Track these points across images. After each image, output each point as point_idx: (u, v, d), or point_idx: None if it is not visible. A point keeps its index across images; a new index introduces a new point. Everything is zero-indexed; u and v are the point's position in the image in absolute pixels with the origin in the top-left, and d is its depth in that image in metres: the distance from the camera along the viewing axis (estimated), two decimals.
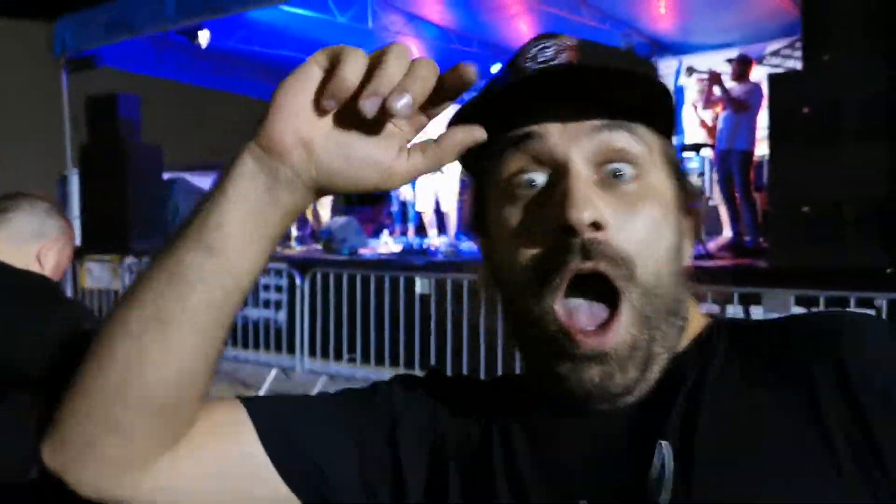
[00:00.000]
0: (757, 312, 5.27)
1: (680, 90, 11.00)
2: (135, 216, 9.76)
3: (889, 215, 5.15)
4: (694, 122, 9.10)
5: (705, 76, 7.47)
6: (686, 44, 10.59)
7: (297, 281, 6.07)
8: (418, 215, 10.06)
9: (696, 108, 8.74)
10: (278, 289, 7.97)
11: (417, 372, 5.50)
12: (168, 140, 10.83)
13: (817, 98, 5.36)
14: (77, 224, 10.73)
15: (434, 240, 8.78)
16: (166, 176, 10.54)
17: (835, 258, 5.27)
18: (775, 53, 9.92)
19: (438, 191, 8.85)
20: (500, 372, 5.23)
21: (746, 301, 5.14)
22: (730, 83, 7.40)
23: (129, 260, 9.25)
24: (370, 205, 13.29)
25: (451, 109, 0.82)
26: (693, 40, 10.43)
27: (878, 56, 5.18)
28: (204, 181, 12.02)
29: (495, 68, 10.90)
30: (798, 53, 9.71)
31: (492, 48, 11.26)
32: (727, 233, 8.12)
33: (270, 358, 6.51)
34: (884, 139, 5.12)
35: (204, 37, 9.84)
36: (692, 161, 9.90)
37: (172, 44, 10.76)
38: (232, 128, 13.93)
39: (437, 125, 0.78)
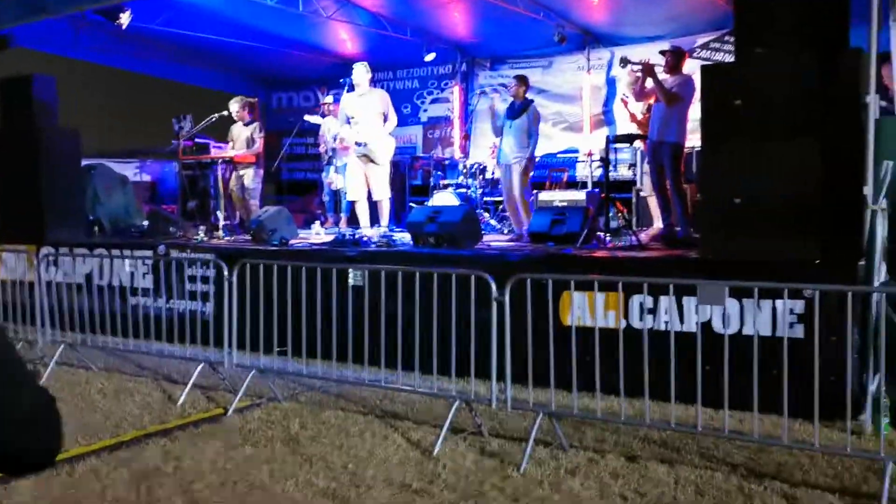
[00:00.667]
0: (691, 303, 5.31)
1: (612, 81, 11.12)
2: (51, 204, 9.31)
3: (817, 207, 5.25)
4: (625, 114, 9.18)
5: (639, 67, 7.51)
6: (618, 35, 10.68)
7: (225, 272, 5.85)
8: (350, 205, 9.88)
9: (625, 103, 8.81)
10: (204, 280, 7.72)
11: (350, 365, 5.36)
12: (86, 124, 10.36)
13: (749, 91, 5.42)
14: None
15: (366, 230, 8.63)
16: (84, 162, 10.07)
17: (764, 250, 5.34)
18: (705, 46, 10.08)
19: (371, 179, 8.69)
20: (434, 364, 5.14)
21: (680, 292, 5.17)
22: (662, 75, 7.45)
23: (46, 250, 8.82)
24: (300, 194, 13.03)
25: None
26: (625, 32, 10.53)
27: (808, 50, 5.26)
28: (124, 168, 11.58)
29: (429, 57, 10.85)
30: (727, 47, 9.91)
31: (425, 35, 11.13)
32: (658, 224, 8.22)
33: (197, 352, 6.27)
34: (813, 133, 5.20)
35: (125, 18, 9.43)
36: (623, 152, 10.03)
37: (91, 24, 10.29)
38: (153, 113, 13.51)
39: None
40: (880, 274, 4.93)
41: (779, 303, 5.06)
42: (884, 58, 5.70)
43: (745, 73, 5.51)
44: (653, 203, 8.37)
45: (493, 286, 4.67)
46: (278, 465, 4.39)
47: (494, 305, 4.66)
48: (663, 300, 5.40)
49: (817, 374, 4.04)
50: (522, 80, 8.56)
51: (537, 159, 9.19)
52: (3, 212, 9.65)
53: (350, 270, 6.09)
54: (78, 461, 4.43)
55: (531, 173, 8.71)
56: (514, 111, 8.41)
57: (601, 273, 5.81)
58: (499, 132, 8.62)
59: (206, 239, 8.76)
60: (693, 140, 7.64)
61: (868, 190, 4.96)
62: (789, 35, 5.38)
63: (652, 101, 7.71)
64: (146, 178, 12.43)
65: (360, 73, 8.72)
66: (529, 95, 8.88)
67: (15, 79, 9.52)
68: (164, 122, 10.90)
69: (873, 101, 4.99)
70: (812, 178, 5.25)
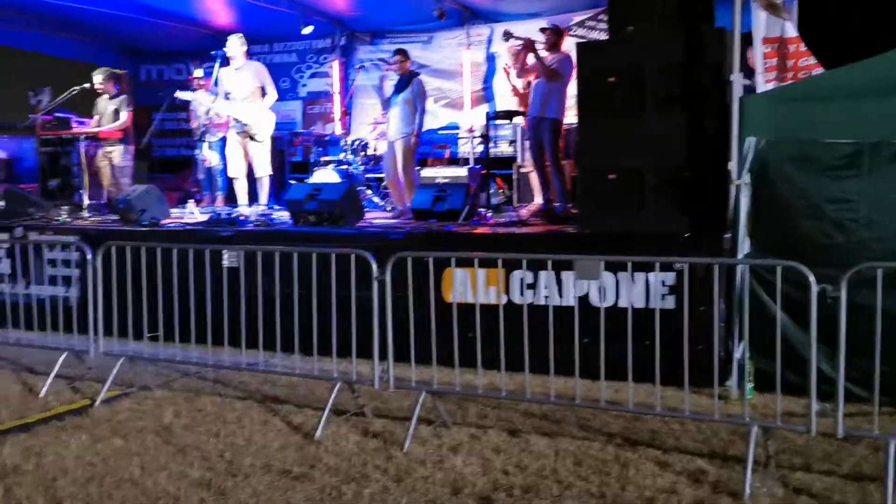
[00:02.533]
0: (569, 278, 5.40)
1: (492, 57, 11.16)
2: None
3: (685, 182, 5.43)
4: (505, 89, 9.22)
5: (520, 42, 7.54)
6: (497, 11, 10.71)
7: (89, 256, 5.50)
8: (227, 183, 9.52)
9: (507, 73, 8.84)
10: (66, 263, 7.26)
11: (227, 349, 5.16)
12: None
13: (622, 68, 5.53)
14: None
15: (244, 209, 8.34)
16: None
17: (638, 224, 5.49)
18: (581, 24, 10.24)
19: (251, 156, 8.39)
20: (314, 346, 5.01)
21: (559, 267, 5.24)
22: (543, 52, 7.52)
23: None
24: (174, 172, 12.48)
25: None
26: (504, 8, 10.56)
27: (676, 28, 5.41)
28: None
29: (306, 30, 10.51)
30: (602, 25, 10.10)
31: (301, 7, 10.82)
32: (538, 199, 8.33)
33: (60, 340, 5.89)
34: (682, 108, 5.37)
35: None
36: (504, 128, 10.10)
37: None
38: (7, 85, 12.57)
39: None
40: (744, 246, 5.15)
41: (651, 275, 5.22)
42: (748, 38, 5.93)
43: (618, 51, 5.62)
44: (533, 179, 8.47)
45: (374, 265, 4.59)
46: (150, 456, 4.18)
47: (375, 284, 4.58)
48: (543, 275, 5.47)
49: (687, 344, 4.17)
50: (403, 54, 8.45)
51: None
52: None
53: (224, 252, 5.85)
54: None
55: (416, 149, 8.60)
56: (400, 85, 8.29)
57: (483, 250, 5.82)
58: (387, 107, 8.49)
59: (69, 220, 8.24)
60: (571, 116, 7.76)
61: (732, 165, 5.16)
62: (659, 14, 5.53)
63: (532, 77, 7.76)
64: (1, 154, 11.57)
65: (235, 45, 8.37)
66: (413, 69, 8.79)
67: None
68: (20, 95, 10.19)
69: (737, 80, 5.19)
70: (680, 154, 5.42)
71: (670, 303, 5.16)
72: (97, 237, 6.64)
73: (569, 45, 8.14)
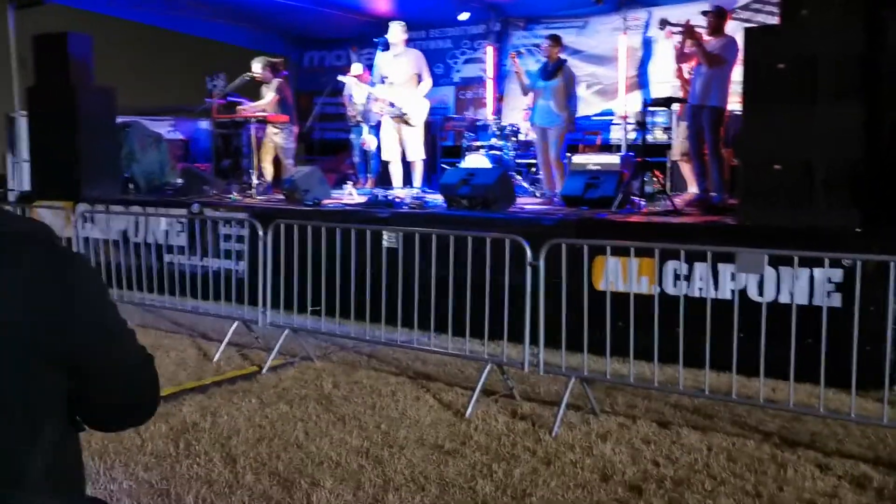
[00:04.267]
0: (727, 271, 5.26)
1: (648, 42, 10.90)
2: (87, 161, 9.40)
3: (859, 175, 5.14)
4: (661, 77, 8.98)
5: (679, 29, 7.33)
6: None
7: (260, 232, 5.88)
8: (379, 166, 9.86)
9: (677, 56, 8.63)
10: (238, 239, 7.78)
11: (382, 326, 5.39)
12: (121, 82, 10.40)
13: (794, 54, 5.29)
14: (26, 168, 10.33)
15: (399, 191, 8.62)
16: (119, 120, 10.13)
17: (803, 217, 5.26)
18: (745, 7, 9.82)
19: (405, 140, 8.66)
20: (467, 327, 5.15)
21: (716, 259, 5.10)
22: (705, 37, 7.28)
23: (82, 207, 8.94)
24: (332, 154, 13.01)
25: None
26: None
27: (856, 13, 5.11)
28: (158, 126, 11.64)
29: (463, 16, 10.54)
30: (769, 7, 9.65)
31: None
32: (692, 189, 8.11)
33: (231, 310, 6.35)
34: (858, 99, 5.09)
35: None
36: (658, 115, 9.86)
37: None
38: (187, 71, 13.51)
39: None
40: None
41: (817, 271, 5.00)
42: None
43: (790, 36, 5.38)
44: (686, 168, 8.25)
45: (528, 250, 4.65)
46: (312, 423, 4.46)
47: (529, 270, 4.65)
48: (698, 266, 5.35)
49: (856, 344, 3.98)
50: (556, 41, 8.40)
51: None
52: (39, 169, 9.78)
53: (384, 233, 6.09)
54: None
55: (567, 135, 8.56)
56: (547, 72, 8.26)
57: (636, 238, 5.75)
58: (526, 93, 8.50)
59: (239, 198, 8.81)
60: (733, 103, 7.48)
61: None
62: None
63: (693, 63, 7.54)
64: (179, 136, 12.47)
65: (396, 32, 8.66)
66: (563, 56, 8.74)
67: (48, 36, 9.55)
68: (198, 81, 10.93)
69: None
70: (855, 145, 5.14)
71: (836, 301, 4.93)
72: (264, 215, 7.07)
73: (731, 28, 7.83)
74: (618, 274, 5.51)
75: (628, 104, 10.92)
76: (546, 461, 3.93)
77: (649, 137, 9.64)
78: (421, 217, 6.93)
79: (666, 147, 9.70)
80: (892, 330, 4.80)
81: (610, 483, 3.67)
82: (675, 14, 7.68)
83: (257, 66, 9.76)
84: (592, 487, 3.62)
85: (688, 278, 5.34)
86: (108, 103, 9.70)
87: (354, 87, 9.91)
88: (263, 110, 9.64)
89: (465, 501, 3.50)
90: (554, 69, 8.23)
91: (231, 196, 8.88)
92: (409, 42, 9.28)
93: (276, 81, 9.79)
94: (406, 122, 8.56)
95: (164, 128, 11.94)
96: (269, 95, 9.69)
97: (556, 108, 8.14)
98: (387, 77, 8.70)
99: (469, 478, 3.72)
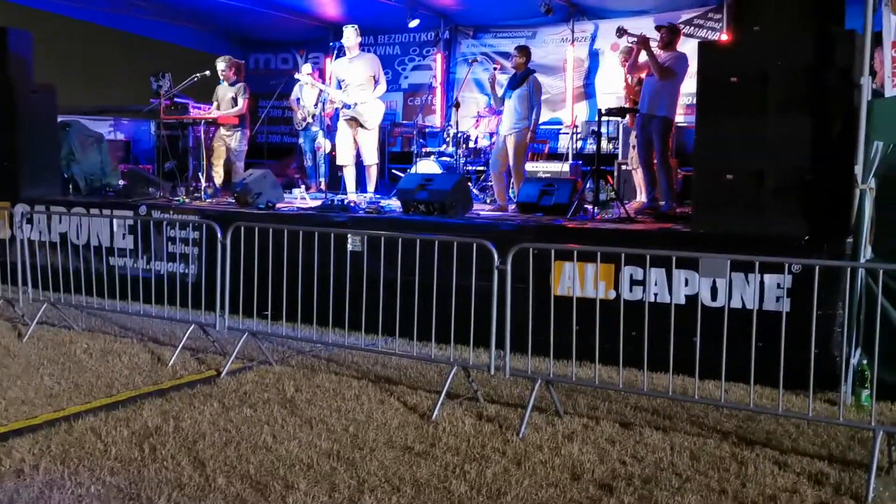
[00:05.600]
0: (680, 276, 5.42)
1: (595, 53, 11.15)
2: (25, 160, 9.12)
3: (808, 185, 5.37)
4: (607, 87, 9.19)
5: (634, 39, 7.53)
6: (603, 8, 10.70)
7: (219, 235, 5.80)
8: (329, 170, 9.84)
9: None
10: (188, 241, 7.64)
11: (345, 331, 5.37)
12: (61, 81, 10.10)
13: (745, 68, 5.50)
14: None
15: (352, 195, 8.61)
16: (59, 119, 9.84)
17: (754, 225, 5.47)
18: (689, 22, 10.15)
19: (360, 144, 8.67)
20: (433, 332, 5.18)
21: (669, 264, 5.25)
22: (656, 50, 7.50)
23: (21, 207, 8.65)
24: (278, 158, 12.89)
25: None
26: (610, 5, 10.55)
27: (805, 28, 5.35)
28: (99, 126, 11.34)
29: (413, 23, 10.63)
30: (710, 24, 10.00)
31: (407, 1, 11.03)
32: (641, 197, 8.32)
33: (186, 314, 6.23)
34: (807, 111, 5.32)
35: None
36: (604, 126, 10.05)
37: None
38: (129, 71, 13.20)
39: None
40: (865, 252, 5.07)
41: (767, 277, 5.19)
42: (877, 39, 5.81)
43: (741, 51, 5.59)
44: (636, 176, 8.46)
45: (496, 255, 4.72)
46: (279, 426, 4.42)
47: (496, 274, 4.71)
48: (653, 272, 5.51)
49: (813, 347, 4.16)
50: (524, 51, 8.51)
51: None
52: None
53: (349, 236, 6.08)
54: (75, 419, 4.42)
55: (529, 144, 8.65)
56: (516, 81, 8.37)
57: (592, 244, 5.88)
58: (500, 105, 8.59)
59: (187, 200, 8.66)
60: (680, 115, 7.73)
61: (858, 169, 5.08)
62: (786, 14, 5.47)
63: (643, 74, 7.76)
64: (120, 136, 12.18)
65: (350, 35, 8.72)
66: (531, 67, 8.87)
67: None
68: (141, 81, 10.69)
69: (867, 83, 5.10)
70: (803, 157, 5.37)
71: (786, 306, 5.13)
72: (215, 218, 6.94)
73: (680, 43, 8.07)
74: (575, 279, 5.63)
75: (575, 114, 11.15)
76: (516, 461, 3.99)
77: (595, 147, 9.86)
78: (379, 221, 6.93)
79: (612, 156, 9.93)
80: (836, 333, 5.05)
81: (581, 482, 3.75)
82: (629, 27, 7.87)
83: (222, 65, 9.63)
84: (564, 486, 3.69)
85: (642, 283, 5.48)
86: (47, 102, 9.43)
87: (307, 87, 9.86)
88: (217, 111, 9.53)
89: (441, 501, 3.53)
90: (521, 78, 8.33)
91: (178, 198, 8.72)
92: (361, 47, 9.30)
93: (241, 84, 9.68)
94: (361, 125, 8.56)
95: (105, 128, 11.64)
96: (239, 99, 9.54)
97: (517, 117, 8.23)
98: (343, 80, 8.74)
99: (443, 478, 3.75)
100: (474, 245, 4.89)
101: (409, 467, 3.88)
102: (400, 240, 5.24)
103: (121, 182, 9.92)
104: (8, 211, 8.48)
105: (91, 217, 8.22)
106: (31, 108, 9.19)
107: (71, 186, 9.88)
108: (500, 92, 8.54)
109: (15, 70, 9.13)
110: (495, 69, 9.04)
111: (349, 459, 3.96)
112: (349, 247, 5.81)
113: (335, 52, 8.82)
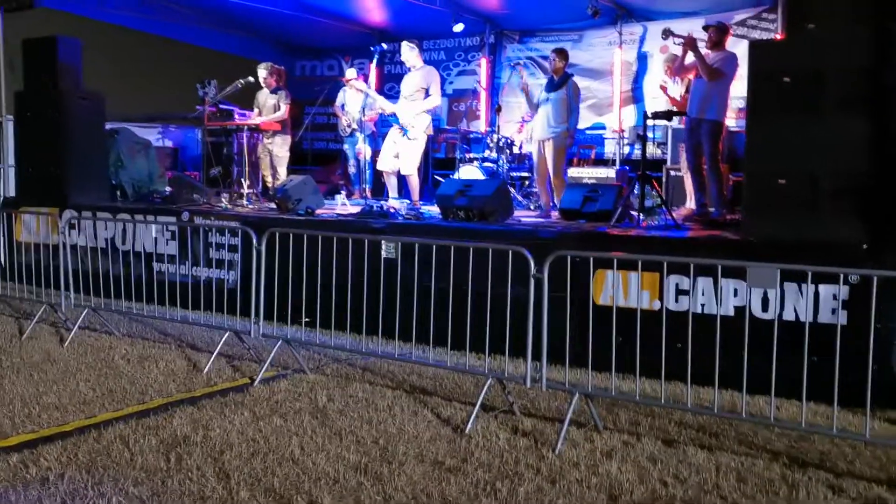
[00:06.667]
0: (729, 285, 5.18)
1: (644, 56, 10.89)
2: (74, 167, 9.25)
3: (866, 189, 5.08)
4: (656, 91, 8.93)
5: (681, 40, 7.27)
6: (652, 10, 10.44)
7: (254, 241, 5.74)
8: (374, 176, 9.76)
9: (664, 89, 8.63)
10: (230, 248, 7.63)
11: (378, 339, 5.26)
12: (110, 88, 10.24)
13: (799, 67, 5.24)
14: (11, 174, 10.14)
15: (393, 202, 8.51)
16: (108, 126, 9.97)
17: (809, 232, 5.19)
18: (741, 23, 9.83)
19: (401, 153, 8.58)
20: (467, 341, 5.03)
21: (717, 274, 5.00)
22: (705, 51, 7.23)
23: (69, 213, 8.78)
24: (322, 164, 12.90)
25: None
26: (659, 6, 10.28)
27: (863, 26, 5.07)
28: (147, 133, 11.48)
29: (458, 28, 10.62)
30: (764, 24, 9.67)
31: (453, 5, 10.93)
32: (689, 204, 8.05)
33: (222, 320, 6.19)
34: (865, 111, 5.03)
35: None
36: (653, 130, 9.82)
37: None
38: (177, 78, 13.35)
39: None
40: None
41: (822, 287, 4.92)
42: None
43: (795, 50, 5.32)
44: (686, 182, 8.19)
45: (532, 262, 4.54)
46: (308, 437, 4.31)
47: (532, 282, 4.54)
48: (700, 281, 5.27)
49: (871, 362, 3.89)
50: (562, 54, 8.32)
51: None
52: (25, 175, 9.60)
53: (383, 242, 5.97)
54: (105, 427, 4.38)
55: (568, 148, 8.45)
56: (553, 85, 8.18)
57: (637, 252, 5.66)
58: (535, 109, 8.40)
59: (230, 206, 8.67)
60: (731, 118, 7.44)
61: None
62: (842, 11, 5.19)
63: (691, 76, 7.48)
64: (168, 143, 12.32)
65: (405, 51, 8.72)
66: (569, 70, 8.69)
67: (38, 40, 9.41)
68: (188, 88, 10.78)
69: None
70: (861, 159, 5.08)
71: (842, 318, 4.85)
72: (256, 224, 6.93)
73: (730, 43, 7.79)
74: (618, 288, 5.41)
75: (623, 118, 10.90)
76: (551, 479, 3.81)
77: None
78: (417, 228, 6.80)
79: (661, 161, 9.66)
80: None
81: (618, 503, 3.55)
82: (676, 28, 7.63)
83: (263, 72, 9.66)
84: None
85: (688, 293, 5.24)
86: (96, 109, 9.56)
87: (351, 93, 9.83)
88: (279, 121, 9.57)
89: None
90: (560, 81, 8.14)
91: (221, 205, 8.73)
92: (398, 52, 9.23)
93: (283, 91, 9.69)
94: (405, 135, 8.49)
95: (153, 135, 11.78)
96: (281, 106, 9.56)
97: (555, 121, 8.05)
98: (400, 92, 8.77)
99: (472, 496, 3.59)
100: (510, 252, 4.72)
101: (437, 483, 3.73)
102: (434, 246, 5.10)
103: (167, 188, 10.00)
104: (56, 217, 8.59)
105: (136, 223, 8.27)
106: (80, 115, 9.32)
107: (119, 193, 9.99)
108: (536, 95, 8.33)
109: (65, 77, 9.27)
110: (522, 73, 8.80)
111: (377, 474, 3.82)
112: (383, 253, 5.69)
113: (376, 56, 8.74)
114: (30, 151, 9.51)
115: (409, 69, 8.79)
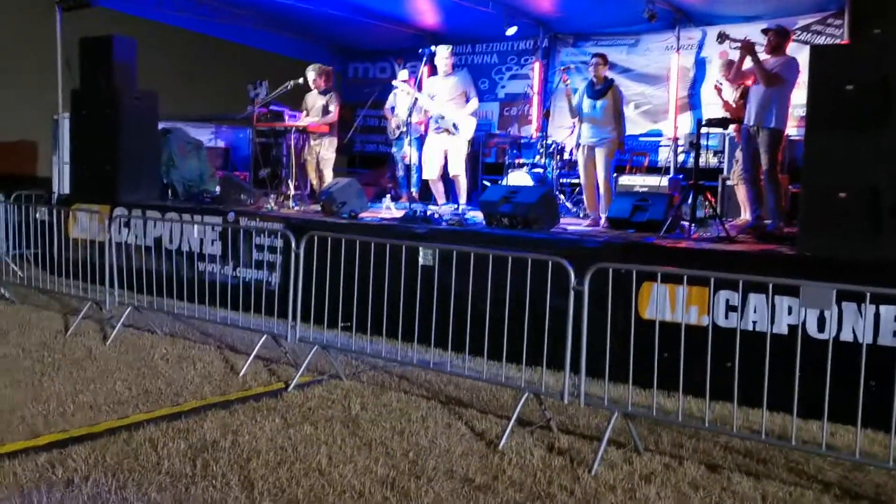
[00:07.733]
0: (783, 303, 4.92)
1: (702, 62, 10.57)
2: (126, 165, 9.36)
3: None
4: (718, 101, 8.63)
5: (737, 44, 6.98)
6: (711, 13, 10.12)
7: (293, 244, 5.68)
8: (421, 180, 9.67)
9: (719, 90, 8.34)
10: (272, 250, 7.61)
11: (415, 345, 5.15)
12: (163, 87, 10.35)
13: (863, 75, 4.96)
14: (66, 170, 10.33)
15: (439, 207, 8.40)
16: (161, 125, 10.08)
17: (870, 249, 4.91)
18: (805, 28, 9.47)
19: (449, 154, 8.50)
20: (504, 351, 4.88)
21: (774, 291, 4.75)
22: (763, 55, 6.93)
23: (119, 211, 8.88)
24: (372, 167, 12.87)
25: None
26: (719, 10, 9.96)
27: None
28: (199, 133, 11.59)
29: (511, 31, 10.48)
30: (830, 30, 9.29)
31: (506, 8, 10.77)
32: (745, 215, 7.75)
33: (261, 323, 6.15)
34: None
35: None
36: (709, 138, 9.50)
37: None
38: (229, 78, 13.48)
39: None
40: None
41: (883, 308, 4.64)
42: None
43: (860, 56, 5.04)
44: (740, 193, 7.89)
45: (572, 274, 4.37)
46: (337, 447, 4.22)
47: (572, 294, 4.37)
48: (752, 298, 5.03)
49: None
50: (603, 59, 8.12)
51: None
52: (78, 171, 9.76)
53: (420, 249, 5.86)
54: (136, 428, 4.35)
55: (617, 156, 8.24)
56: (596, 91, 7.97)
57: (685, 266, 5.43)
58: (574, 114, 8.20)
59: (275, 208, 8.66)
60: (791, 127, 7.12)
61: None
62: None
63: (749, 82, 7.17)
64: (220, 143, 12.41)
65: (442, 56, 8.70)
66: (610, 75, 8.48)
67: (94, 39, 9.55)
68: (240, 88, 10.86)
69: None
70: None
71: None
72: (300, 226, 6.89)
73: (791, 49, 7.47)
74: (665, 302, 5.20)
75: (678, 125, 10.60)
76: (585, 502, 3.64)
77: (700, 160, 9.30)
78: (459, 234, 6.67)
79: (716, 171, 9.35)
80: None
81: None
82: (734, 32, 7.35)
83: (312, 74, 9.66)
84: None
85: (740, 309, 5.00)
86: (149, 108, 9.66)
87: (402, 95, 9.78)
88: (328, 123, 9.58)
89: None
90: (603, 88, 7.93)
91: (267, 206, 8.73)
92: (454, 56, 9.14)
93: (332, 92, 9.69)
94: (452, 136, 8.43)
95: (206, 135, 11.88)
96: (330, 107, 9.56)
97: (603, 128, 7.84)
98: (435, 95, 8.73)
99: None
100: (549, 263, 4.56)
101: (465, 502, 3.59)
102: (472, 255, 4.96)
103: (217, 189, 10.06)
104: (106, 214, 8.69)
105: (183, 222, 8.32)
106: (134, 114, 9.43)
107: (170, 192, 10.08)
108: (575, 101, 8.11)
109: (119, 76, 9.39)
110: (566, 70, 8.61)
111: (403, 489, 3.70)
112: (420, 261, 5.58)
113: (424, 58, 8.66)
114: (84, 149, 9.66)
115: (445, 73, 8.87)
